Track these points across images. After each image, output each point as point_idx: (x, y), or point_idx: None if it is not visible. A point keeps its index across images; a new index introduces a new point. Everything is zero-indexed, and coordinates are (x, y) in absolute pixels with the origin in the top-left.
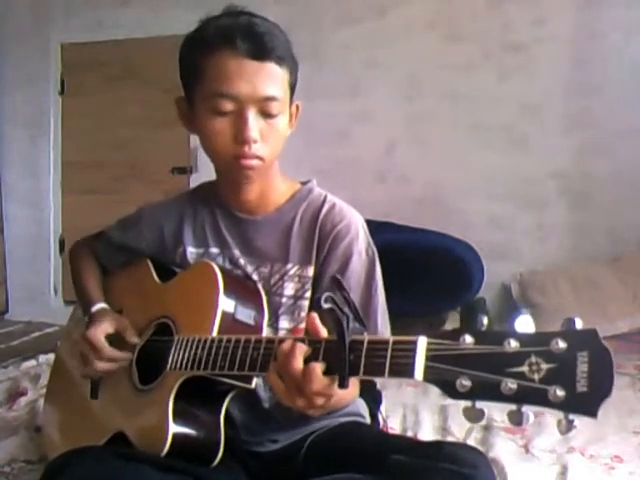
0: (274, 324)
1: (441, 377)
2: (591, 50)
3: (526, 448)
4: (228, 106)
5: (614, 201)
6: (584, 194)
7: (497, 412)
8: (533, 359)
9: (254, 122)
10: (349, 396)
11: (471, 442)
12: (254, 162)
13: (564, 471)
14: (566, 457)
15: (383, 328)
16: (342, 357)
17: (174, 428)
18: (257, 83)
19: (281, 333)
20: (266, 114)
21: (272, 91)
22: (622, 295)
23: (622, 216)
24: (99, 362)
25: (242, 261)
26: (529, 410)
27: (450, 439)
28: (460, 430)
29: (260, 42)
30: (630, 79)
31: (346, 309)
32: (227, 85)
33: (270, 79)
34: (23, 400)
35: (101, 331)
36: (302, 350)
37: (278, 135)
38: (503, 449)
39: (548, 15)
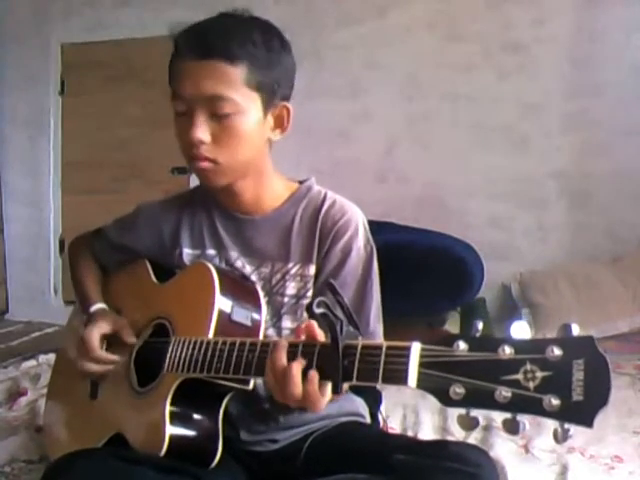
0: (277, 324)
1: (434, 384)
2: (591, 50)
3: (526, 448)
4: (181, 107)
5: (614, 201)
6: (584, 194)
7: (496, 412)
8: (528, 367)
9: (203, 123)
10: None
11: (471, 442)
12: (205, 164)
13: (564, 471)
14: (566, 457)
15: (375, 324)
16: (335, 362)
17: (171, 430)
18: (199, 82)
19: (284, 333)
20: (216, 114)
21: (218, 90)
22: (622, 295)
23: (622, 216)
24: (88, 363)
25: (240, 262)
26: (524, 419)
27: (450, 439)
28: (460, 430)
29: (201, 40)
30: (630, 79)
31: (339, 313)
32: (175, 86)
33: (214, 77)
34: (23, 400)
35: (97, 331)
36: (283, 346)
37: (236, 137)
38: (503, 449)
39: (548, 15)
